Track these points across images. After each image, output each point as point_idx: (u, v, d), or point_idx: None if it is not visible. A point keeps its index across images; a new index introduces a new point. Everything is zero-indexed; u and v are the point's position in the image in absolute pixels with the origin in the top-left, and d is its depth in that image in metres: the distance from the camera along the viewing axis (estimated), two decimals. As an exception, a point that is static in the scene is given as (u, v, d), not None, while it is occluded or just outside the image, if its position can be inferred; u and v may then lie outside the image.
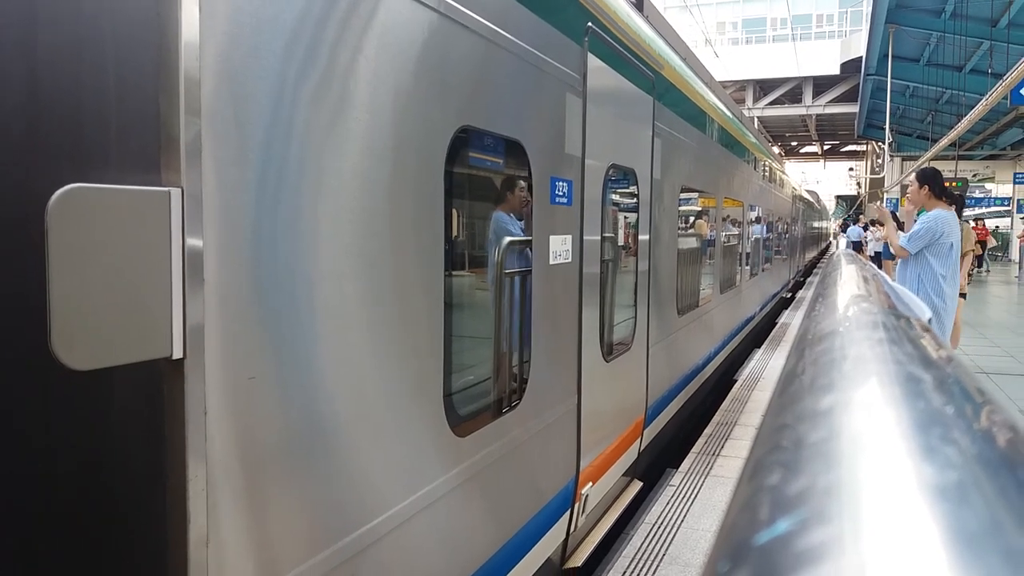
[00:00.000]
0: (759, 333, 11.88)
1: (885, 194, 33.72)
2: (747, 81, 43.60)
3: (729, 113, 8.61)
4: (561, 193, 3.35)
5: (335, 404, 1.88)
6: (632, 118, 4.51)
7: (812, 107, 43.35)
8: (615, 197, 4.38)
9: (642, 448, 5.04)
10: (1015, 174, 28.58)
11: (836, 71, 40.12)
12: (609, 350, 4.20)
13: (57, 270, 1.25)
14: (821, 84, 42.64)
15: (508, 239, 2.94)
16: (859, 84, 31.58)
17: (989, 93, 14.71)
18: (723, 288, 8.18)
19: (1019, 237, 23.87)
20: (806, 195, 26.33)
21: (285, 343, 1.71)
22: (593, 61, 3.68)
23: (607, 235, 4.11)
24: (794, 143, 60.98)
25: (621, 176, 4.40)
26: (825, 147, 61.94)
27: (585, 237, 3.68)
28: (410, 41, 2.17)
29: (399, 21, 2.11)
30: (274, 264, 1.68)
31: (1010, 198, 31.40)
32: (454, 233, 2.47)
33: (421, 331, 2.25)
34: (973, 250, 8.87)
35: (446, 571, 2.46)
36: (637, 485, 5.03)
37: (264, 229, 1.64)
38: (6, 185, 1.33)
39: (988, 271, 24.77)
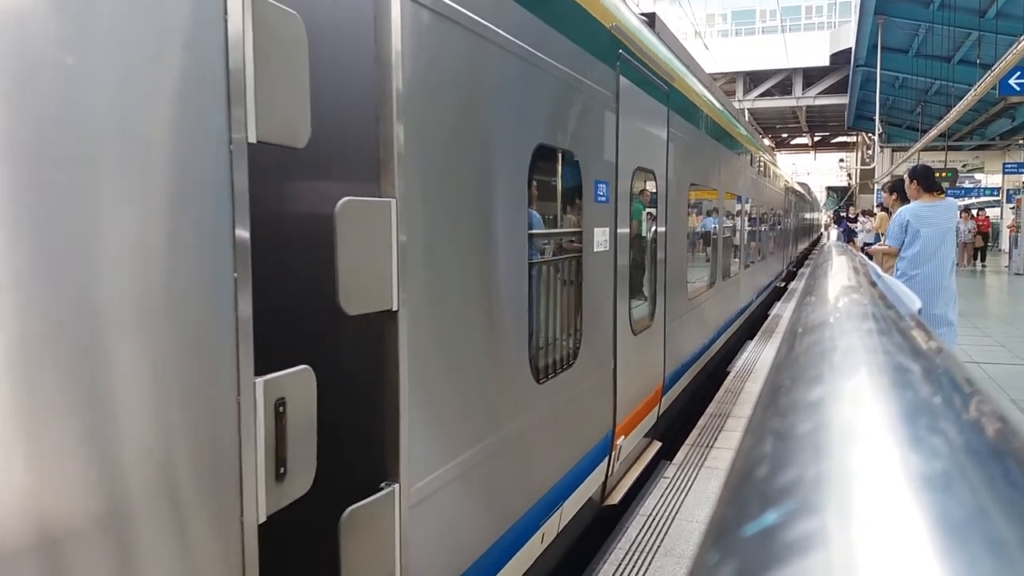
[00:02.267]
0: (752, 324, 11.94)
1: (876, 184, 33.82)
2: (737, 73, 43.62)
3: (727, 112, 9.28)
4: (602, 193, 4.05)
5: (472, 349, 2.69)
6: (652, 126, 5.28)
7: (802, 99, 43.44)
8: (639, 195, 5.07)
9: (661, 412, 5.72)
10: (1004, 164, 28.62)
11: (826, 62, 40.21)
12: (636, 325, 4.89)
13: (342, 252, 1.89)
14: (811, 75, 42.71)
15: (567, 230, 3.76)
16: (849, 75, 31.67)
17: (978, 83, 14.78)
18: (725, 275, 9.06)
19: (1008, 227, 23.93)
20: (798, 187, 26.40)
21: (447, 305, 2.48)
22: (623, 81, 4.38)
23: (634, 227, 4.86)
24: (784, 134, 61.12)
25: (644, 176, 5.12)
26: (815, 138, 62.10)
27: (618, 230, 4.37)
28: (523, 83, 3.00)
29: (516, 69, 2.95)
30: (440, 252, 2.39)
31: (999, 188, 31.53)
32: (532, 228, 3.22)
33: (517, 300, 3.02)
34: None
35: (523, 491, 3.16)
36: (656, 445, 5.72)
37: (437, 226, 2.37)
38: (295, 195, 2.33)
39: (984, 265, 24.30)
